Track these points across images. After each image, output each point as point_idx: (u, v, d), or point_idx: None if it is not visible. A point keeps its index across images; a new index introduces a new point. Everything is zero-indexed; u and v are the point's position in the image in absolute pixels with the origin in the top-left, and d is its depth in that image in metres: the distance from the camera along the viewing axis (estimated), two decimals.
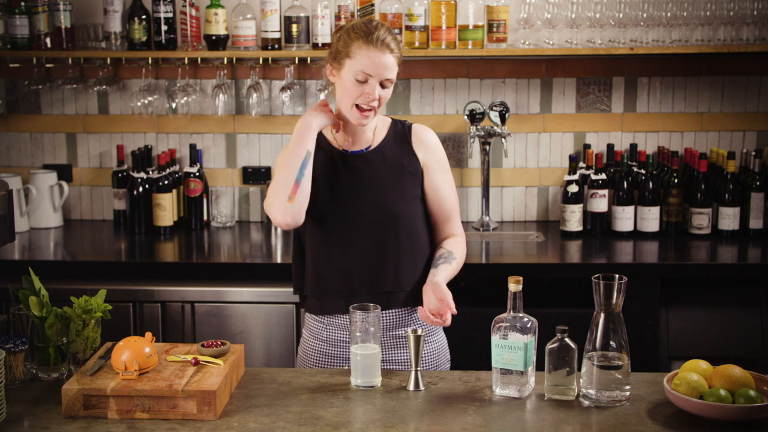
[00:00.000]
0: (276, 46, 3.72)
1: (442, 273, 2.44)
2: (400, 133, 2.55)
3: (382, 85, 2.40)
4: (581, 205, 3.73)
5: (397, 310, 2.50)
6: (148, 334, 2.19)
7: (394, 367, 2.48)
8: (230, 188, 3.97)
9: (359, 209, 2.47)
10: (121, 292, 3.27)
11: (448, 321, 2.32)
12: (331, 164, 2.50)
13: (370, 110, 2.41)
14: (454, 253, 2.51)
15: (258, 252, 3.59)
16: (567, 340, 2.11)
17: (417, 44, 3.68)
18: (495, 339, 2.14)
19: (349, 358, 2.49)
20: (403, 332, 2.51)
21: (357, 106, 2.40)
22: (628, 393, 2.11)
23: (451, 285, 2.42)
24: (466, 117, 3.80)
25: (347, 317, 2.48)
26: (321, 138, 2.54)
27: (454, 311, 2.33)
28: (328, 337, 2.53)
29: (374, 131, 2.53)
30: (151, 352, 2.13)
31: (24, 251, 3.57)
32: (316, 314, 2.54)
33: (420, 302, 2.48)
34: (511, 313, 2.14)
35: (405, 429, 1.98)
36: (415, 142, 2.54)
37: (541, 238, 3.74)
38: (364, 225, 2.47)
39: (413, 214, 2.51)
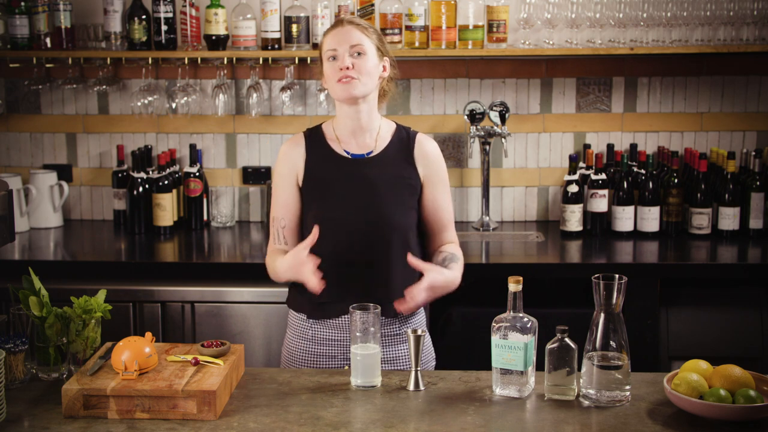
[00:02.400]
0: (276, 46, 3.72)
1: (450, 272, 2.44)
2: (404, 141, 2.53)
3: (353, 56, 2.43)
4: (581, 205, 3.73)
5: (385, 319, 2.49)
6: (148, 334, 2.19)
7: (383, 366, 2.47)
8: (230, 188, 3.97)
9: (355, 214, 2.46)
10: (121, 292, 3.27)
11: (406, 307, 2.37)
12: (331, 166, 2.50)
13: (350, 78, 2.42)
14: (456, 255, 2.52)
15: (258, 252, 3.59)
16: (567, 340, 2.11)
17: (417, 44, 3.67)
18: (495, 339, 2.14)
19: (335, 355, 2.51)
20: (388, 330, 2.52)
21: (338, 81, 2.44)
22: (628, 393, 2.11)
23: None
24: (466, 117, 3.80)
25: (335, 317, 2.49)
26: (322, 138, 2.54)
27: (415, 303, 2.36)
28: (314, 336, 2.53)
29: (377, 136, 2.53)
30: (151, 352, 2.13)
31: (24, 251, 3.57)
32: (307, 315, 2.53)
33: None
34: (511, 313, 2.14)
35: (405, 429, 1.98)
36: (417, 154, 2.53)
37: (541, 238, 3.74)
38: (358, 230, 2.45)
39: (407, 225, 2.50)
